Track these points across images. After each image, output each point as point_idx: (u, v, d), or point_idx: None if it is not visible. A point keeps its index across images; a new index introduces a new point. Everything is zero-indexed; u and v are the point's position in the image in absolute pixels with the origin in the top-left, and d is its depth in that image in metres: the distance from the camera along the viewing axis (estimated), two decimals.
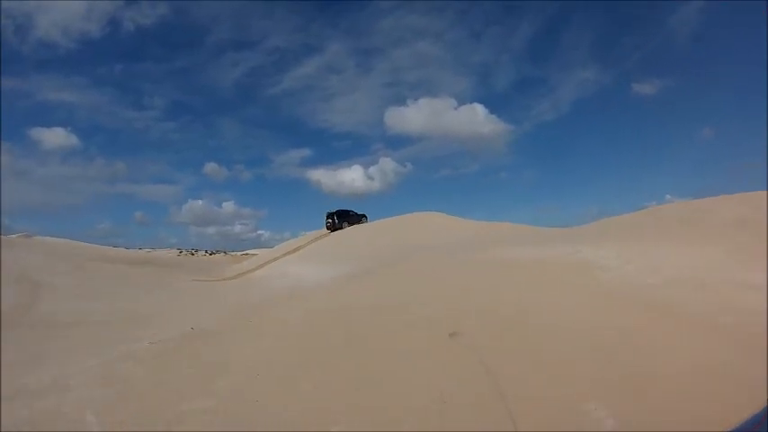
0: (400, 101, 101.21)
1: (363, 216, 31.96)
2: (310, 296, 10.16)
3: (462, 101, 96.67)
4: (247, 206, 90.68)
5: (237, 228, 77.56)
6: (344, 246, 20.96)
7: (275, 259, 22.23)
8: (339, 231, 27.97)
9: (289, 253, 22.71)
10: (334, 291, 10.25)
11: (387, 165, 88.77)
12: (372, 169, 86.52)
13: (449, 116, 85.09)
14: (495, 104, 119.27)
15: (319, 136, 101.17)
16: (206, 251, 51.16)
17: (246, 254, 44.96)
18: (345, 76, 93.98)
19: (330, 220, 29.54)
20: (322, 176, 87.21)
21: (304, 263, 18.54)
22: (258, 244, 57.63)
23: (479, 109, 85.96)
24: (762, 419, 1.40)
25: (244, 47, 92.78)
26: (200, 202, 77.44)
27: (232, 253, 50.74)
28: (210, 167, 77.34)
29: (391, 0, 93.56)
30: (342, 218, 29.85)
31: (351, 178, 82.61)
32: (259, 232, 77.59)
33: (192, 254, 48.87)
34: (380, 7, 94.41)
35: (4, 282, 12.54)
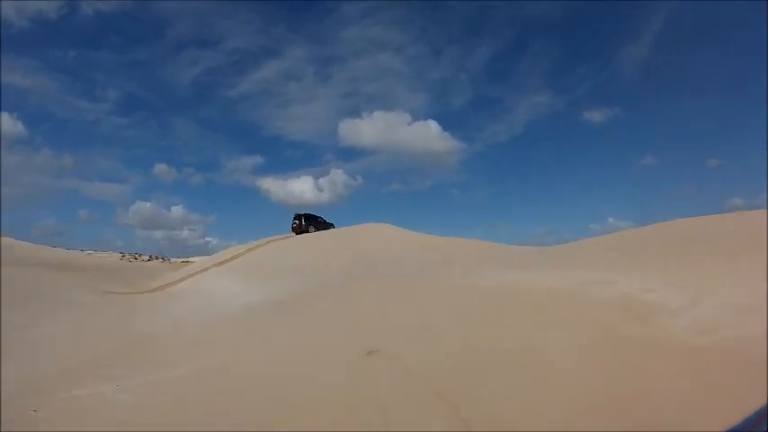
0: (355, 113, 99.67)
1: (332, 225, 30.75)
2: (176, 351, 6.50)
3: (417, 116, 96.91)
4: (196, 211, 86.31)
5: (185, 233, 73.72)
6: (286, 256, 17.42)
7: (205, 270, 18.38)
8: (288, 239, 25.13)
9: (220, 263, 18.89)
10: (228, 338, 6.89)
11: (337, 177, 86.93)
12: (323, 180, 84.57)
13: (402, 131, 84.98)
14: (449, 122, 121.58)
15: (273, 143, 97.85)
16: (149, 256, 48.24)
17: (187, 261, 40.56)
18: (304, 83, 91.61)
19: (297, 222, 28.42)
20: (272, 185, 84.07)
21: (229, 276, 14.92)
22: (205, 251, 54.57)
23: (433, 126, 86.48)
24: (762, 419, 1.33)
25: (204, 45, 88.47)
26: (148, 204, 73.83)
27: (173, 260, 46.62)
28: (161, 168, 73.28)
29: (357, 9, 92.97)
30: (309, 221, 28.77)
31: (300, 189, 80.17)
32: (207, 239, 74.35)
33: (135, 258, 46.35)
34: (346, 15, 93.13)
35: None
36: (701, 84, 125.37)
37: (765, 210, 8.22)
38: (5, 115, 60.84)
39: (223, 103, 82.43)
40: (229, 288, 12.26)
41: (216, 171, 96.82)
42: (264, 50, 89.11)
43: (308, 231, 28.01)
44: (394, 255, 14.82)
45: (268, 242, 23.90)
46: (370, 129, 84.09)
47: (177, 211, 72.14)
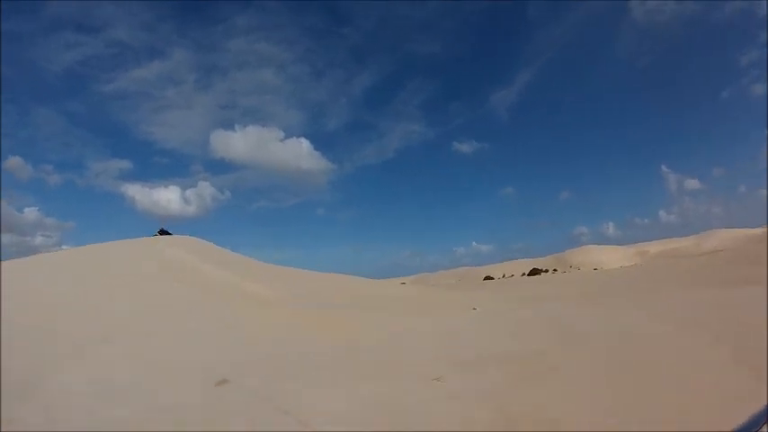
0: (229, 125, 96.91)
1: None
2: None
3: (290, 134, 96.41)
4: (53, 216, 75.47)
5: (39, 239, 64.14)
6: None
7: None
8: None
9: None
10: None
11: (205, 189, 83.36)
12: (190, 192, 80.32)
13: (274, 147, 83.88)
14: (321, 142, 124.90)
15: (142, 148, 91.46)
16: None
17: None
18: (183, 89, 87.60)
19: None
20: (138, 193, 78.29)
21: None
22: None
23: (305, 144, 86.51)
24: (762, 419, 1.37)
25: (84, 30, 79.98)
26: None
27: None
28: (14, 162, 62.84)
29: (248, 22, 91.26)
30: None
31: (167, 199, 75.54)
32: (63, 247, 67.43)
33: None
34: (236, 26, 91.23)
35: None
36: (560, 126, 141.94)
37: None
38: None
39: (95, 98, 73.70)
40: None
41: (79, 172, 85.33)
42: (148, 48, 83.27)
43: None
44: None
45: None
46: (242, 142, 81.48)
47: (31, 213, 62.56)
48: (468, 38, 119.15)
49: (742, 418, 1.39)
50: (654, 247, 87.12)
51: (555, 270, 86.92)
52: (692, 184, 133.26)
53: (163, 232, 26.15)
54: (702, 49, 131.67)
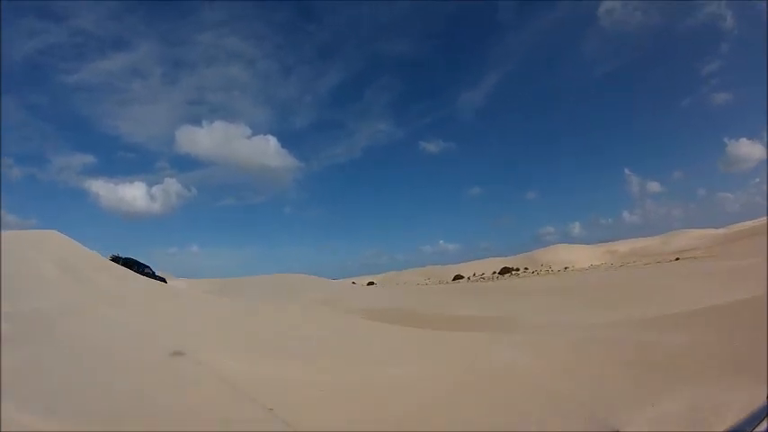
0: (196, 121, 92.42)
1: (162, 280, 22.41)
2: None
3: (257, 131, 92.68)
4: (13, 213, 69.18)
5: None
6: None
7: None
8: None
9: None
10: None
11: (171, 186, 78.88)
12: (156, 189, 75.46)
13: (240, 144, 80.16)
14: (288, 140, 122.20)
15: (106, 143, 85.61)
16: None
17: None
18: (149, 82, 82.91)
19: None
20: (102, 189, 73.16)
21: None
22: None
23: (272, 141, 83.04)
24: (762, 419, 1.38)
25: (47, 17, 73.99)
26: None
27: None
28: None
29: (217, 16, 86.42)
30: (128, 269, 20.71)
31: (132, 196, 71.20)
32: None
33: None
34: (204, 20, 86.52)
35: None
36: (526, 128, 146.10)
37: None
38: None
39: (58, 89, 68.36)
40: None
41: (40, 167, 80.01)
42: (114, 39, 78.17)
43: None
44: None
45: None
46: (208, 138, 77.28)
47: None
48: (436, 39, 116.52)
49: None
50: (622, 247, 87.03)
51: (526, 269, 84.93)
52: (654, 186, 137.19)
53: (115, 259, 20.51)
54: (666, 58, 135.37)
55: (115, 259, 20.40)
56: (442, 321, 14.70)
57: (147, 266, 22.28)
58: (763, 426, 1.32)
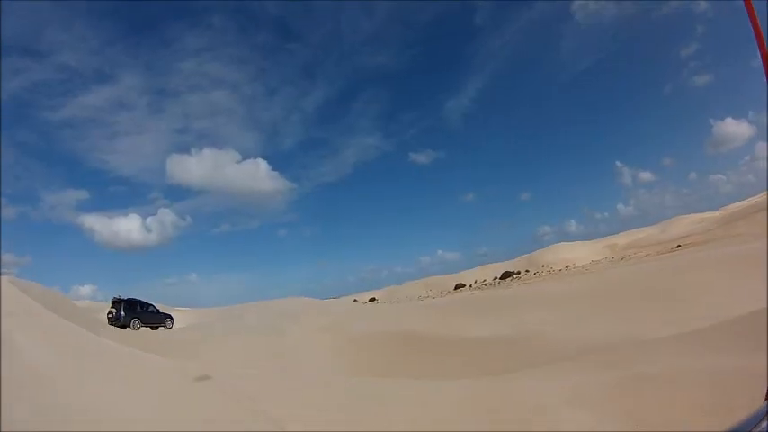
0: (185, 149, 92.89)
1: (168, 317, 22.79)
2: None
3: (247, 155, 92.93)
4: (8, 251, 68.44)
5: None
6: None
7: None
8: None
9: None
10: None
11: (166, 216, 78.80)
12: (151, 220, 75.32)
13: (231, 169, 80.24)
14: (278, 162, 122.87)
15: (97, 177, 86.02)
16: None
17: None
18: (135, 114, 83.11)
19: (112, 312, 20.34)
20: (96, 224, 72.50)
21: None
22: None
23: (263, 165, 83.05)
24: (762, 419, 1.38)
25: (31, 54, 74.34)
26: None
27: None
28: None
29: (197, 42, 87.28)
30: (131, 311, 20.63)
31: (127, 228, 71.12)
32: None
33: None
34: (185, 47, 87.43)
35: None
36: (514, 130, 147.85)
37: None
38: None
39: (45, 126, 68.34)
40: None
41: (33, 204, 79.94)
42: (97, 73, 78.11)
43: (129, 326, 19.82)
44: None
45: None
46: (198, 166, 77.23)
47: None
48: (417, 47, 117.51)
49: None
50: (621, 240, 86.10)
51: (527, 271, 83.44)
52: (646, 176, 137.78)
53: (120, 303, 20.73)
54: (643, 46, 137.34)
55: (117, 302, 20.52)
56: (451, 346, 13.12)
57: (151, 305, 22.26)
58: (763, 426, 1.29)
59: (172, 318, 23.12)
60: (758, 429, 1.30)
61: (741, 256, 15.56)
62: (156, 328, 21.69)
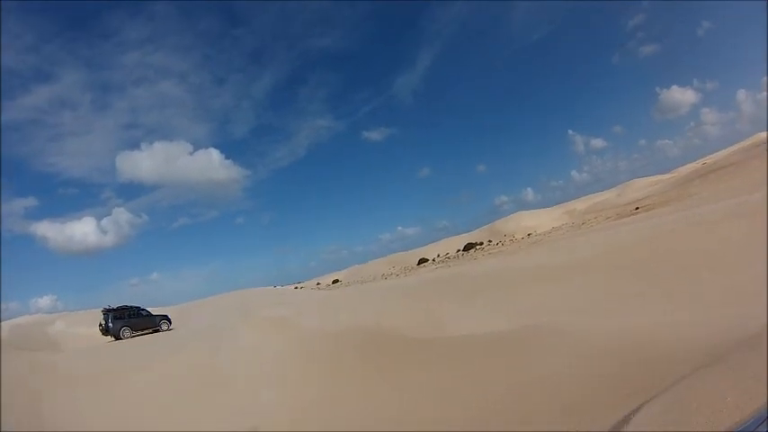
0: (134, 145, 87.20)
1: (163, 319, 22.04)
2: None
3: (198, 146, 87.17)
4: None
5: None
6: None
7: None
8: None
9: None
10: None
11: (121, 216, 74.19)
12: (106, 221, 70.20)
13: (184, 161, 75.13)
14: (231, 150, 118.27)
15: (46, 182, 78.01)
16: None
17: None
18: (79, 112, 74.82)
19: (101, 323, 20.32)
20: (48, 230, 65.77)
21: None
22: None
23: (215, 154, 78.13)
24: (762, 419, 1.34)
25: None
26: None
27: None
28: None
29: (139, 33, 79.27)
30: (119, 320, 20.32)
31: (82, 232, 64.98)
32: None
33: None
34: (127, 39, 79.13)
35: None
36: (466, 103, 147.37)
37: None
38: None
39: None
40: None
41: None
42: (36, 72, 68.37)
43: (118, 336, 19.62)
44: None
45: None
46: (150, 161, 72.21)
47: None
48: (365, 26, 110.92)
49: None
50: (579, 205, 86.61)
51: (490, 242, 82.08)
52: (597, 143, 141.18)
53: (109, 312, 20.49)
54: (592, 18, 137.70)
55: (105, 312, 20.35)
56: (435, 353, 8.90)
57: (143, 309, 21.90)
58: (763, 426, 1.28)
59: (168, 319, 22.35)
60: (758, 429, 1.28)
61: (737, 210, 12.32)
62: (156, 331, 21.20)
